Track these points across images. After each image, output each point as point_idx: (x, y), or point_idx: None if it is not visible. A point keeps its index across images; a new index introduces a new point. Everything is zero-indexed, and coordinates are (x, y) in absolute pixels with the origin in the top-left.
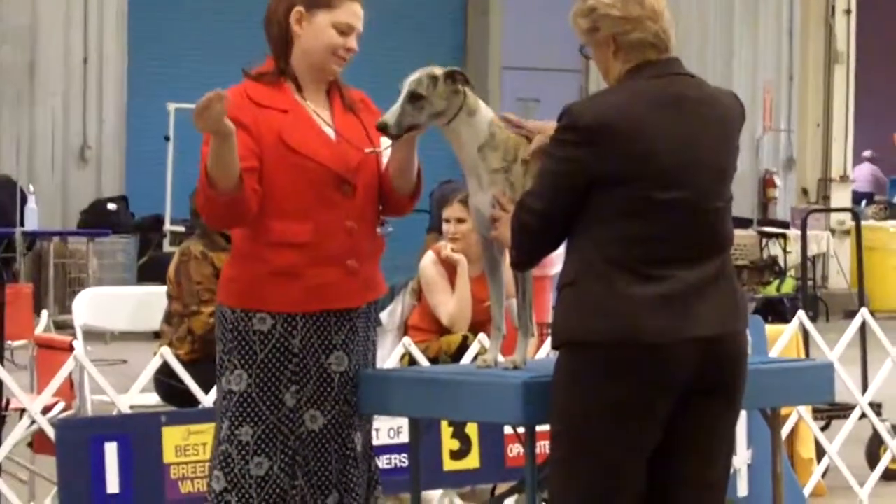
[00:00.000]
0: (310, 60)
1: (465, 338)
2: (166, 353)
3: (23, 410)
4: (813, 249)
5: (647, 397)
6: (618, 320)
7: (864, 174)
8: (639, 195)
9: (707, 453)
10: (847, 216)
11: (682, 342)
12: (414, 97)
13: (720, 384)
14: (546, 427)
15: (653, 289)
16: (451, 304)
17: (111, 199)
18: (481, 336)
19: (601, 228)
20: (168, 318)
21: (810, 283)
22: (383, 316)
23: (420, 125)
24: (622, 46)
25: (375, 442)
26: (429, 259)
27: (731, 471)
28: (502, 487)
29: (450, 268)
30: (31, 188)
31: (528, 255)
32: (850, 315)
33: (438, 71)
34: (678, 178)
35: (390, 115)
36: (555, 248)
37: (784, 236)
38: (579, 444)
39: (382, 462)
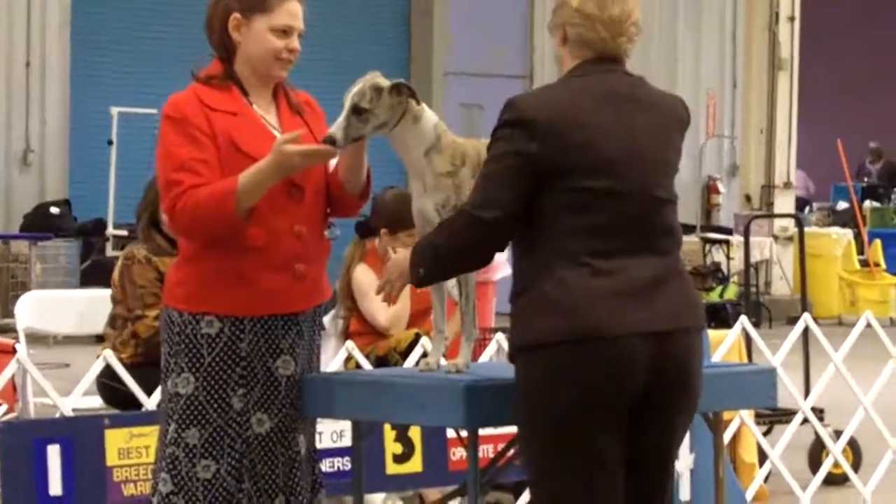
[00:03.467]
0: (253, 66)
1: (416, 335)
2: (109, 356)
3: None
4: (756, 256)
5: (606, 394)
6: (573, 316)
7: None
8: (583, 186)
9: (666, 458)
10: (790, 222)
11: (637, 336)
12: (358, 111)
13: (675, 383)
14: (489, 431)
15: (606, 282)
16: (387, 308)
17: (54, 203)
18: (424, 340)
19: (548, 225)
20: (112, 321)
21: (753, 289)
22: (326, 320)
23: (365, 135)
24: (568, 37)
25: (318, 445)
26: (360, 268)
27: (675, 475)
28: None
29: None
30: None
31: (479, 264)
32: (793, 321)
33: (384, 82)
34: (619, 168)
35: (336, 129)
36: (503, 249)
37: (727, 242)
38: (549, 446)
39: (325, 465)
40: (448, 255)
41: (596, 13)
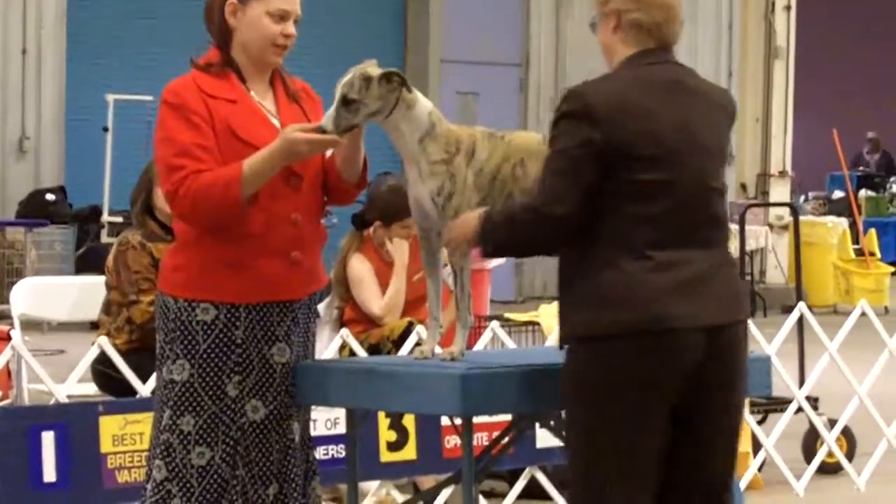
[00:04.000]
0: (249, 52)
1: (410, 323)
2: (104, 342)
3: None
4: (751, 244)
5: (659, 386)
6: (634, 309)
7: None
8: (645, 177)
9: (711, 449)
10: (785, 211)
11: (692, 330)
12: (347, 101)
13: (720, 376)
14: (483, 419)
15: (666, 277)
16: (382, 297)
17: (49, 190)
18: (419, 328)
19: (607, 216)
20: (106, 308)
21: (748, 277)
22: (321, 308)
23: (357, 124)
24: (622, 24)
25: (312, 433)
26: (356, 257)
27: None
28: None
29: (379, 261)
30: None
31: (543, 254)
32: (788, 310)
33: (374, 71)
34: (680, 159)
35: (327, 120)
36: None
37: None
38: (597, 433)
39: (319, 453)
40: (515, 246)
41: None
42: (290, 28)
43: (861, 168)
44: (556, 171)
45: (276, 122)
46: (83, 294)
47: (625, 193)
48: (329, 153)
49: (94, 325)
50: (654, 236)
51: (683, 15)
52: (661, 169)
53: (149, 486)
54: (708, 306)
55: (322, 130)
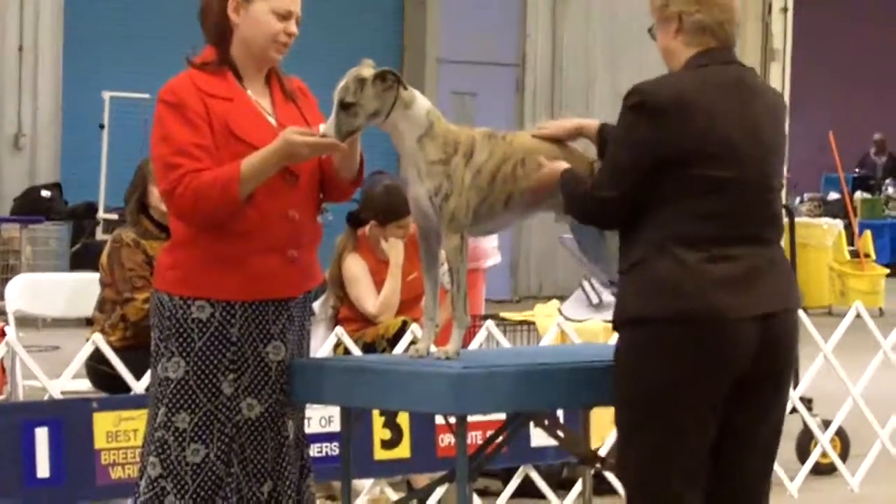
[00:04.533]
0: (250, 49)
1: (404, 322)
2: (98, 339)
3: None
4: None
5: (709, 374)
6: (689, 297)
7: None
8: (708, 173)
9: (757, 444)
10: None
11: (745, 321)
12: (345, 106)
13: (771, 368)
14: (477, 417)
15: (722, 267)
16: (377, 296)
17: (45, 187)
18: (414, 326)
19: (668, 209)
20: (101, 305)
21: None
22: (316, 306)
23: (359, 127)
24: (685, 26)
25: (307, 430)
26: (351, 256)
27: None
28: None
29: (374, 260)
30: None
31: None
32: None
33: (367, 72)
34: (742, 156)
35: (328, 127)
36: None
37: None
38: (641, 418)
39: (314, 451)
40: (574, 212)
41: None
42: (293, 27)
43: (858, 170)
44: (611, 159)
45: (272, 120)
46: (78, 291)
47: (686, 188)
48: None
49: (88, 322)
50: (712, 231)
51: (738, 18)
52: (724, 166)
53: (143, 483)
54: (760, 299)
55: (324, 137)
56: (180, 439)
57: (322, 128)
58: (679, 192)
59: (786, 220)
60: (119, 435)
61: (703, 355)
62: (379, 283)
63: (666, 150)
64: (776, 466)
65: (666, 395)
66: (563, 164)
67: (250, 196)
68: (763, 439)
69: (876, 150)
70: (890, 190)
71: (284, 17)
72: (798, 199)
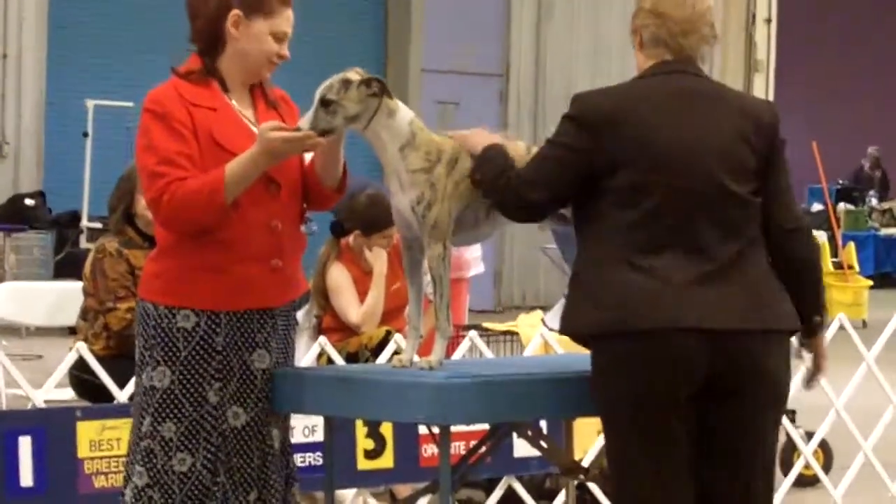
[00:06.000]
0: (245, 65)
1: (387, 332)
2: (82, 348)
3: None
4: None
5: (653, 386)
6: (608, 310)
7: None
8: (634, 182)
9: (736, 458)
10: None
11: (679, 331)
12: (325, 102)
13: (739, 386)
14: (461, 428)
15: (644, 277)
16: (360, 306)
17: (29, 195)
18: (397, 336)
19: (599, 220)
20: (84, 313)
21: None
22: (299, 315)
23: (335, 128)
24: (644, 40)
25: (290, 440)
26: (334, 266)
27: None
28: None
29: (358, 270)
30: None
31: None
32: None
33: (354, 76)
34: (675, 164)
35: (304, 122)
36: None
37: None
38: (607, 432)
39: (297, 460)
40: (488, 189)
41: (667, 12)
42: (286, 50)
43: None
44: (541, 160)
45: (255, 130)
46: (61, 299)
47: (610, 199)
48: (308, 158)
49: (72, 331)
50: (639, 240)
51: (708, 32)
52: (649, 175)
53: (128, 492)
54: (701, 310)
55: (297, 131)
56: (166, 448)
57: (299, 121)
58: (605, 204)
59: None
60: (102, 444)
61: (638, 367)
62: (362, 293)
63: (590, 161)
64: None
65: (607, 406)
66: (494, 139)
67: (234, 205)
68: (742, 459)
69: (871, 164)
70: (874, 202)
71: (280, 39)
72: None
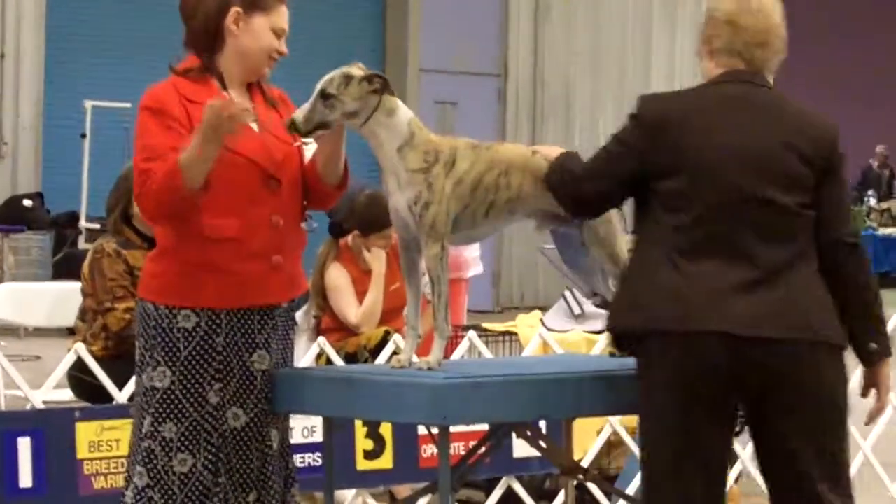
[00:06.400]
0: (245, 61)
1: (386, 332)
2: (80, 349)
3: None
4: None
5: (683, 386)
6: (645, 311)
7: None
8: (679, 186)
9: (769, 470)
10: None
11: (710, 335)
12: (324, 95)
13: (772, 393)
14: (460, 428)
15: (684, 281)
16: (359, 306)
17: (27, 196)
18: (396, 337)
19: (650, 222)
20: (82, 314)
21: None
22: (298, 316)
23: (331, 123)
24: (714, 48)
25: (290, 440)
26: (333, 266)
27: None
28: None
29: (356, 270)
30: None
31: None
32: None
33: (357, 72)
34: (718, 171)
35: (300, 113)
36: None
37: None
38: (641, 427)
39: (296, 461)
40: (556, 193)
41: (743, 23)
42: (284, 46)
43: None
44: (600, 154)
45: (253, 125)
46: (60, 300)
47: (661, 201)
48: (309, 156)
49: (70, 331)
50: (682, 245)
51: (780, 45)
52: (689, 179)
53: (129, 493)
54: (729, 315)
55: (292, 122)
56: (167, 449)
57: (295, 113)
58: (657, 206)
59: None
60: (101, 444)
61: (667, 368)
62: (361, 294)
63: (644, 161)
64: (759, 477)
65: (642, 401)
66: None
67: (232, 203)
68: (777, 467)
69: (879, 163)
70: (872, 202)
71: (279, 35)
72: None
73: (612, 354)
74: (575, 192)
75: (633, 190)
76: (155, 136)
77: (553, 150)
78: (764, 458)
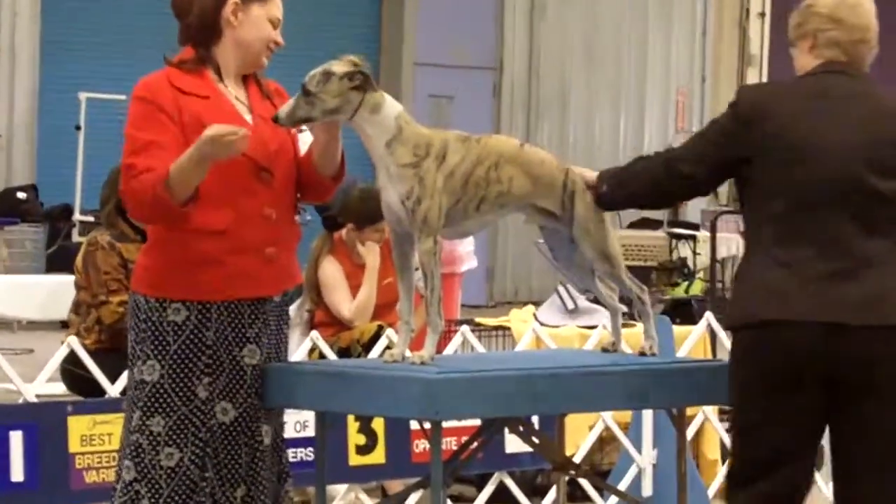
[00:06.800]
0: (244, 53)
1: (379, 327)
2: (73, 342)
3: None
4: (722, 252)
5: (779, 372)
6: (743, 305)
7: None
8: (774, 174)
9: (868, 454)
10: None
11: (803, 324)
12: (305, 93)
13: (865, 381)
14: (452, 423)
15: (779, 270)
16: (352, 300)
17: (21, 188)
18: (389, 331)
19: (751, 211)
20: (76, 307)
21: (719, 284)
22: (291, 310)
23: (313, 119)
24: (818, 42)
25: (283, 436)
26: (327, 260)
27: (636, 470)
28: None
29: (350, 264)
30: None
31: (657, 206)
32: None
33: (338, 68)
34: (810, 159)
35: (283, 108)
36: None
37: (694, 238)
38: (735, 420)
39: (288, 455)
40: (635, 187)
41: (846, 18)
42: (280, 37)
43: None
44: (698, 138)
45: (248, 117)
46: (53, 293)
47: (758, 190)
48: (305, 148)
49: (63, 325)
50: (778, 233)
51: (874, 41)
52: (782, 167)
53: (118, 487)
54: (822, 304)
55: (276, 118)
56: (154, 443)
57: (279, 109)
58: (756, 195)
59: None
60: (94, 439)
61: (767, 357)
62: (355, 288)
63: (740, 148)
64: None
65: (748, 393)
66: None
67: (223, 195)
68: (875, 450)
69: None
70: None
71: (275, 24)
72: None
73: (604, 350)
74: (671, 173)
75: (724, 178)
76: (141, 129)
77: (587, 172)
78: (846, 440)
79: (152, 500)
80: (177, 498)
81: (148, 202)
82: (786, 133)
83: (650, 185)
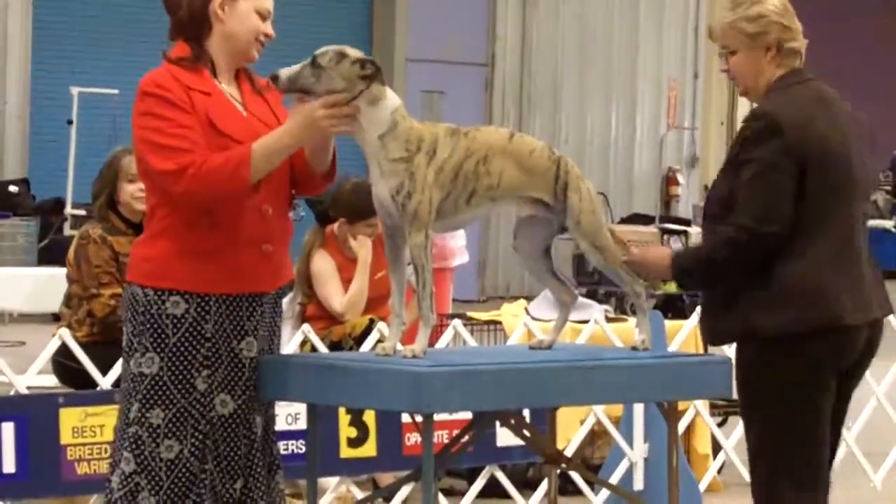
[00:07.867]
0: (233, 46)
1: (371, 321)
2: (65, 334)
3: None
4: None
5: (833, 367)
6: (813, 309)
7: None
8: (824, 183)
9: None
10: None
11: (862, 326)
12: (315, 64)
13: (863, 364)
14: (444, 416)
15: (843, 275)
16: (344, 294)
17: (13, 182)
18: (381, 325)
19: (799, 230)
20: (68, 300)
21: None
22: (283, 303)
23: (313, 91)
24: (782, 52)
25: (274, 427)
26: (319, 254)
27: (628, 464)
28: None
29: (342, 258)
30: None
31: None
32: None
33: (353, 53)
34: (846, 163)
35: (285, 70)
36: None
37: (686, 233)
38: (780, 424)
39: (280, 448)
40: (724, 268)
41: (792, 25)
42: (270, 28)
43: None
44: (765, 189)
45: (243, 111)
46: (45, 286)
47: (807, 200)
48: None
49: (55, 317)
50: (827, 239)
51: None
52: (835, 176)
53: (115, 479)
54: (870, 303)
55: (274, 76)
56: (154, 435)
57: (280, 71)
58: (802, 204)
59: None
60: (85, 430)
61: (825, 354)
62: (346, 281)
63: (797, 163)
64: (741, 468)
65: (799, 385)
66: (665, 253)
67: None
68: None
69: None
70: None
71: (264, 17)
72: None
73: (633, 349)
74: (762, 241)
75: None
76: (176, 115)
77: (647, 257)
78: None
79: (152, 492)
80: (177, 490)
81: (222, 180)
82: (822, 143)
83: (741, 265)
